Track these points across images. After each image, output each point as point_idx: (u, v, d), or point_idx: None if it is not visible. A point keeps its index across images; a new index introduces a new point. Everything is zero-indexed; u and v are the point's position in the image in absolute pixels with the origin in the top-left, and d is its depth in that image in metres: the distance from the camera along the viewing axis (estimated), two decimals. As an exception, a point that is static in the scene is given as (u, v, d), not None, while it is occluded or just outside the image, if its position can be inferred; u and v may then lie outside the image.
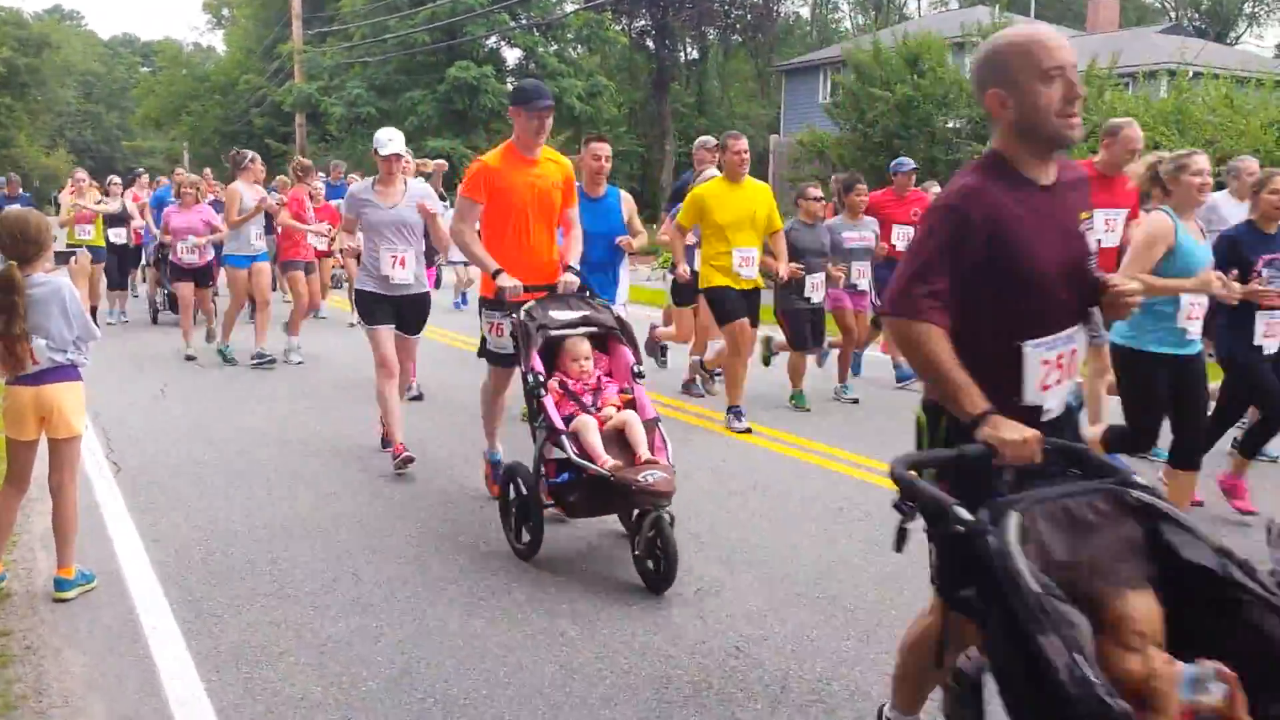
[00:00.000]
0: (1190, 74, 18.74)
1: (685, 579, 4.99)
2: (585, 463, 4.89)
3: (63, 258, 5.80)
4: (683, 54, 45.13)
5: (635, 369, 5.41)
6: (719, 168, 8.58)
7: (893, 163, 10.72)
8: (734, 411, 8.16)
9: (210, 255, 11.82)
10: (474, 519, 5.99)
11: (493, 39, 35.04)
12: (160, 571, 5.12)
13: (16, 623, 4.52)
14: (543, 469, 5.18)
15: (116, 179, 14.89)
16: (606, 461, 4.89)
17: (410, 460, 6.78)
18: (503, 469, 5.57)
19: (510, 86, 34.37)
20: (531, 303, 5.44)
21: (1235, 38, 52.96)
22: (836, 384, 9.56)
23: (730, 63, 46.84)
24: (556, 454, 5.07)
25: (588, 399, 5.27)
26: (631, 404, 5.31)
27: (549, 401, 5.14)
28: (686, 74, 44.54)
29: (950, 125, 19.24)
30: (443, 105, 32.79)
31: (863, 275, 9.39)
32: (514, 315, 5.41)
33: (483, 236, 5.99)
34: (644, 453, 5.01)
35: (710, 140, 9.65)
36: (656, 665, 4.15)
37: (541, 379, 5.21)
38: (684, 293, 9.40)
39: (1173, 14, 53.56)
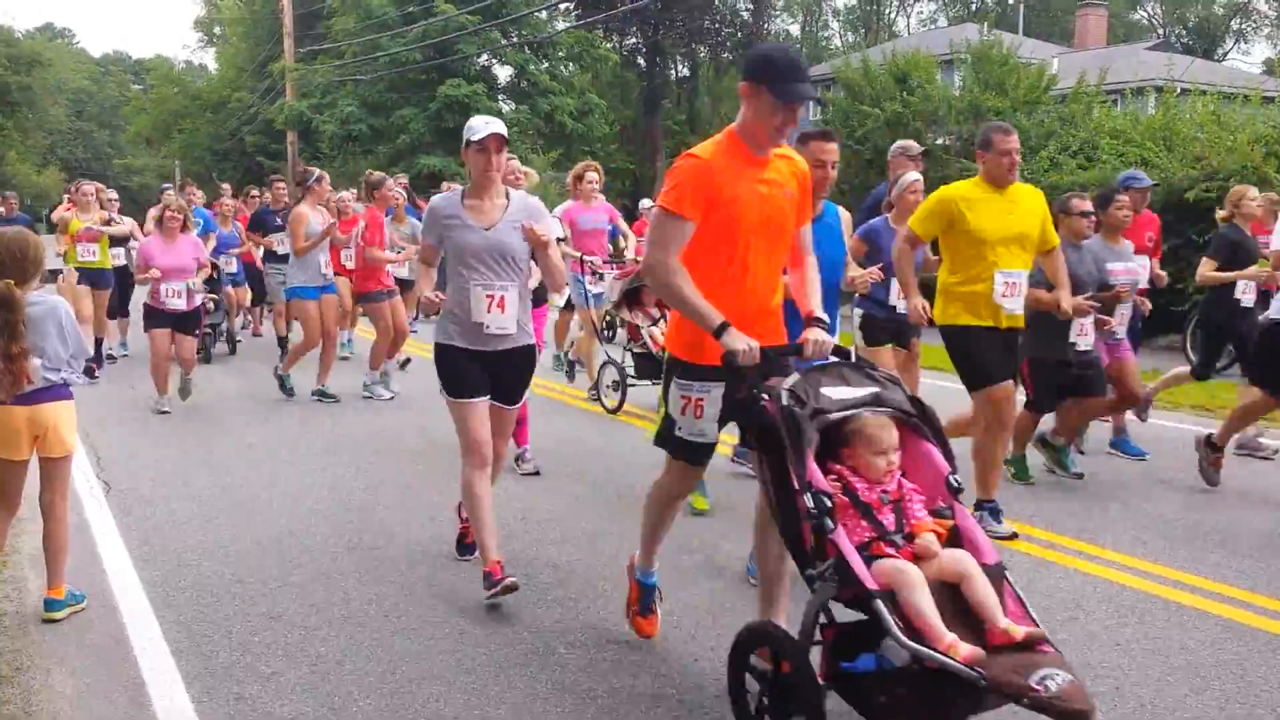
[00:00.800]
0: (1178, 90, 18.85)
1: (676, 597, 4.98)
2: (920, 648, 3.06)
3: (50, 275, 5.57)
4: (674, 72, 45.34)
5: (952, 480, 3.57)
6: (983, 172, 6.08)
7: (1123, 176, 8.44)
8: (989, 509, 6.02)
9: (199, 299, 10.02)
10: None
11: (484, 57, 35.12)
12: (150, 591, 5.10)
13: (6, 643, 4.50)
14: (819, 635, 3.47)
15: (114, 195, 13.42)
16: (957, 645, 3.04)
17: (513, 588, 4.83)
18: (748, 632, 3.78)
19: (501, 104, 34.60)
20: (794, 377, 3.62)
21: (1223, 54, 53.33)
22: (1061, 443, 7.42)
23: (721, 80, 47.03)
24: (844, 611, 3.41)
25: (887, 518, 3.45)
26: (953, 535, 3.48)
27: (843, 539, 3.31)
28: (677, 91, 44.74)
29: (940, 142, 19.31)
30: (434, 123, 32.82)
31: (1123, 322, 7.25)
32: (762, 391, 3.63)
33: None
34: (1000, 622, 3.18)
35: (913, 146, 8.17)
36: (648, 684, 4.14)
37: (829, 502, 3.34)
38: (878, 330, 7.26)
39: (1160, 31, 53.94)
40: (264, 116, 40.84)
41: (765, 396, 3.59)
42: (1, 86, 48.44)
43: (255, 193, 16.23)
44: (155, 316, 9.59)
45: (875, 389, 3.66)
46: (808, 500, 3.34)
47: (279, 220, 12.65)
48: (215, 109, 50.72)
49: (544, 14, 36.71)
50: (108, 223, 11.83)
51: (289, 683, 4.14)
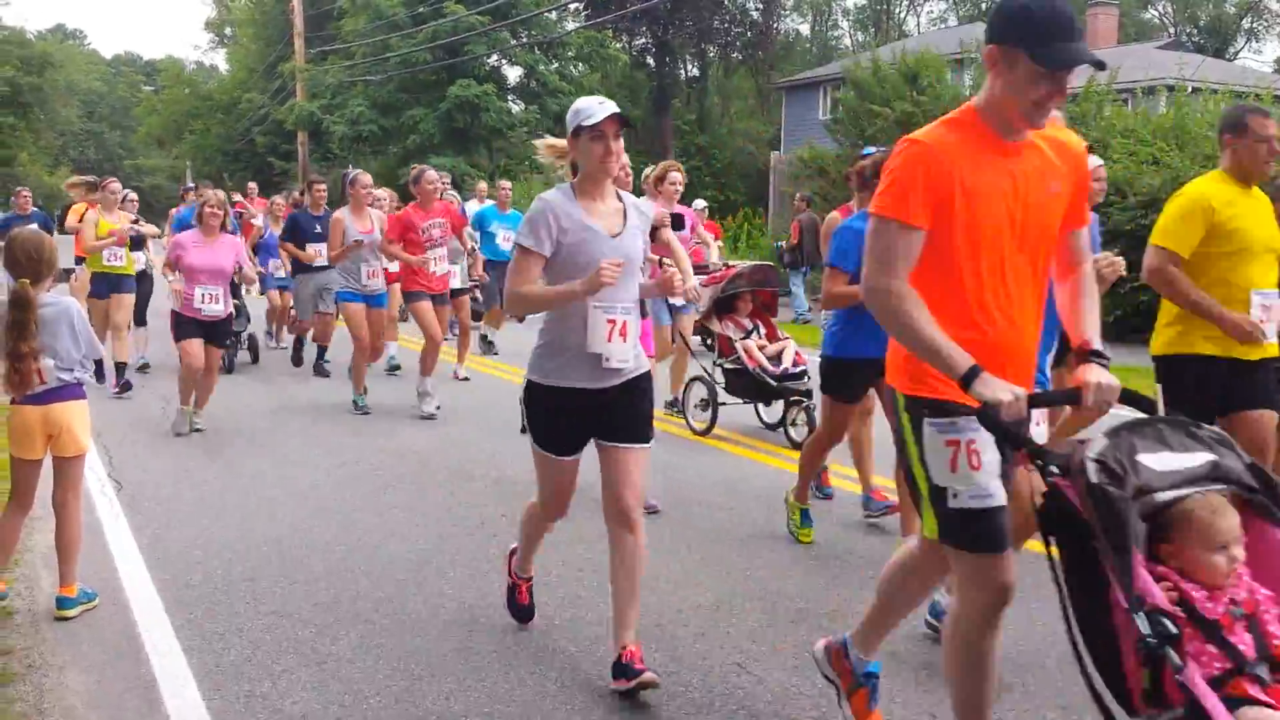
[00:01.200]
0: (1189, 89, 18.81)
1: (686, 596, 4.99)
2: None
3: (63, 274, 5.38)
4: (683, 71, 45.28)
5: None
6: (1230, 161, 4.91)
7: None
8: None
9: (232, 305, 8.98)
10: (474, 536, 5.99)
11: (494, 57, 35.18)
12: (161, 590, 5.12)
13: (19, 640, 4.52)
14: None
15: (133, 195, 12.34)
16: None
17: (650, 684, 3.98)
18: None
19: (511, 105, 34.63)
20: (1101, 441, 2.69)
21: (1234, 53, 53.13)
22: None
23: (731, 80, 46.99)
24: None
25: (1243, 641, 2.50)
26: None
27: (1198, 680, 2.35)
28: (687, 91, 44.67)
29: (950, 141, 19.30)
30: (444, 123, 32.91)
31: None
32: (1052, 462, 2.73)
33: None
34: None
35: None
36: (659, 680, 4.14)
37: (1174, 628, 2.39)
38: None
39: (1171, 30, 53.74)
40: (274, 117, 41.00)
41: (1056, 468, 2.70)
42: (13, 87, 48.69)
43: (280, 199, 14.99)
44: (186, 325, 8.47)
45: (1209, 455, 2.73)
46: (1141, 624, 2.40)
47: (318, 228, 11.24)
48: (226, 110, 50.97)
49: (554, 14, 36.74)
50: (135, 221, 11.07)
51: (299, 680, 4.15)
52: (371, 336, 9.73)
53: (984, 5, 55.94)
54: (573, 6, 38.23)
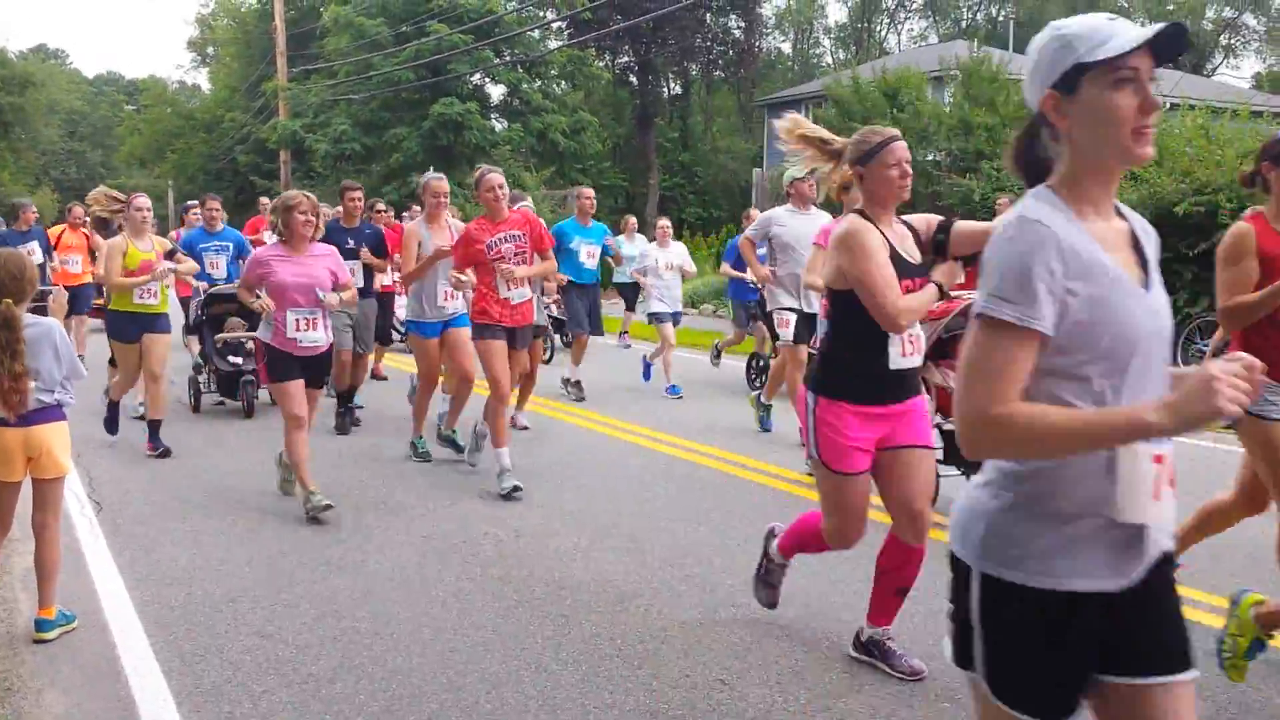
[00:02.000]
0: (1167, 105, 18.93)
1: (669, 613, 4.99)
2: None
3: (39, 295, 5.18)
4: (666, 89, 45.45)
5: None
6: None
7: None
8: None
9: (331, 334, 7.09)
10: (457, 555, 5.97)
11: (477, 76, 35.26)
12: (141, 611, 5.09)
13: (-4, 664, 4.49)
14: None
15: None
16: None
17: None
18: None
19: (494, 123, 34.72)
20: None
21: (1212, 69, 53.60)
22: None
23: (713, 98, 47.19)
24: None
25: None
26: None
27: None
28: (670, 109, 44.83)
29: (930, 158, 19.39)
30: (427, 141, 32.93)
31: None
32: None
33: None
34: None
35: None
36: (641, 699, 4.14)
37: None
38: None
39: (1149, 47, 54.12)
40: (257, 136, 40.96)
41: None
42: (-6, 107, 48.47)
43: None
44: (283, 362, 6.77)
45: None
46: None
47: (351, 242, 9.61)
48: (208, 129, 50.91)
49: (536, 33, 36.87)
50: (170, 254, 8.85)
51: (280, 701, 4.13)
52: (466, 360, 8.03)
53: (964, 24, 56.40)
54: (555, 25, 38.39)
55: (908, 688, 4.21)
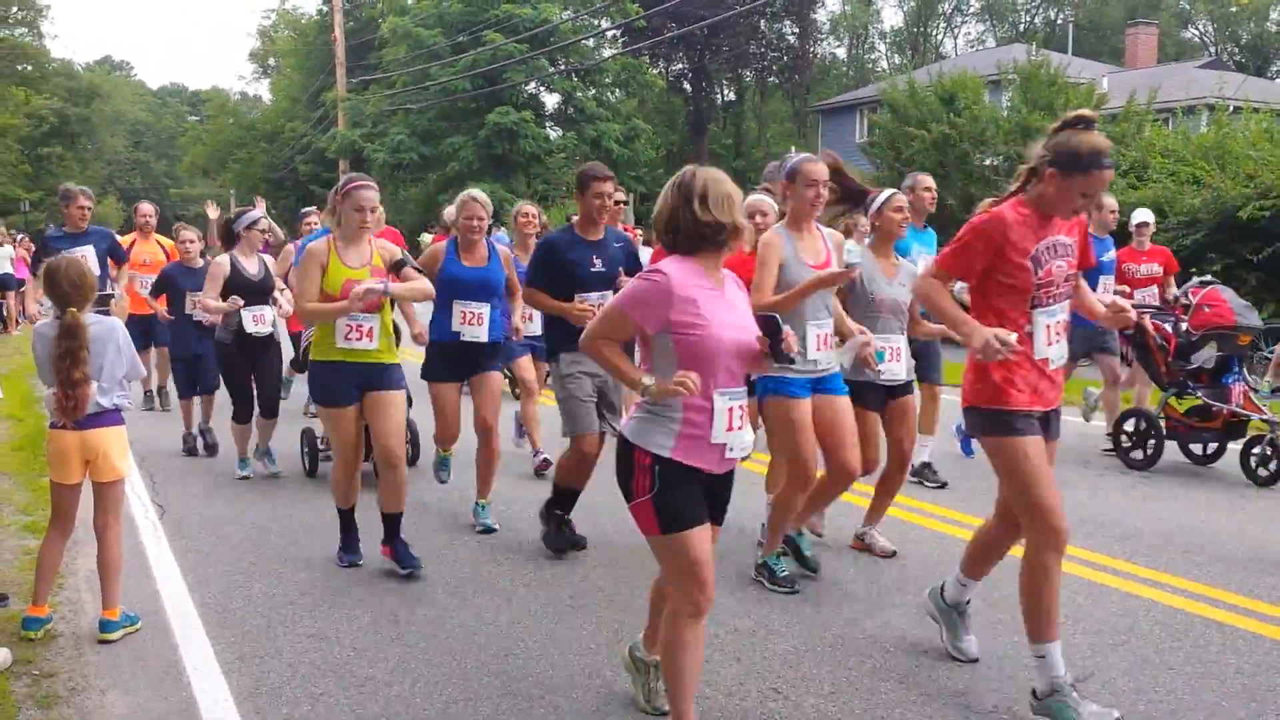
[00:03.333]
0: (1230, 108, 18.60)
1: (722, 620, 4.98)
2: None
3: (101, 300, 5.11)
4: (719, 96, 45.49)
5: None
6: None
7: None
8: None
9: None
10: (512, 562, 6.00)
11: (532, 84, 35.50)
12: (203, 613, 5.18)
13: (62, 664, 4.58)
14: None
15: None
16: None
17: None
18: None
19: (549, 131, 34.93)
20: None
21: (1276, 71, 52.55)
22: None
23: (767, 104, 47.13)
24: None
25: None
26: None
27: None
28: (723, 115, 44.88)
29: (988, 162, 19.19)
30: (483, 150, 33.21)
31: None
32: None
33: None
34: None
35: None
36: (695, 707, 4.13)
37: None
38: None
39: (1212, 49, 53.27)
40: (316, 146, 41.54)
41: None
42: (61, 118, 49.65)
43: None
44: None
45: None
46: None
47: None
48: (269, 139, 51.69)
49: (591, 41, 37.04)
50: (399, 266, 5.81)
51: (337, 703, 4.18)
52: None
53: (1022, 27, 55.78)
54: (610, 33, 38.53)
55: (964, 699, 4.17)
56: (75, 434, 4.75)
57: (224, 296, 7.68)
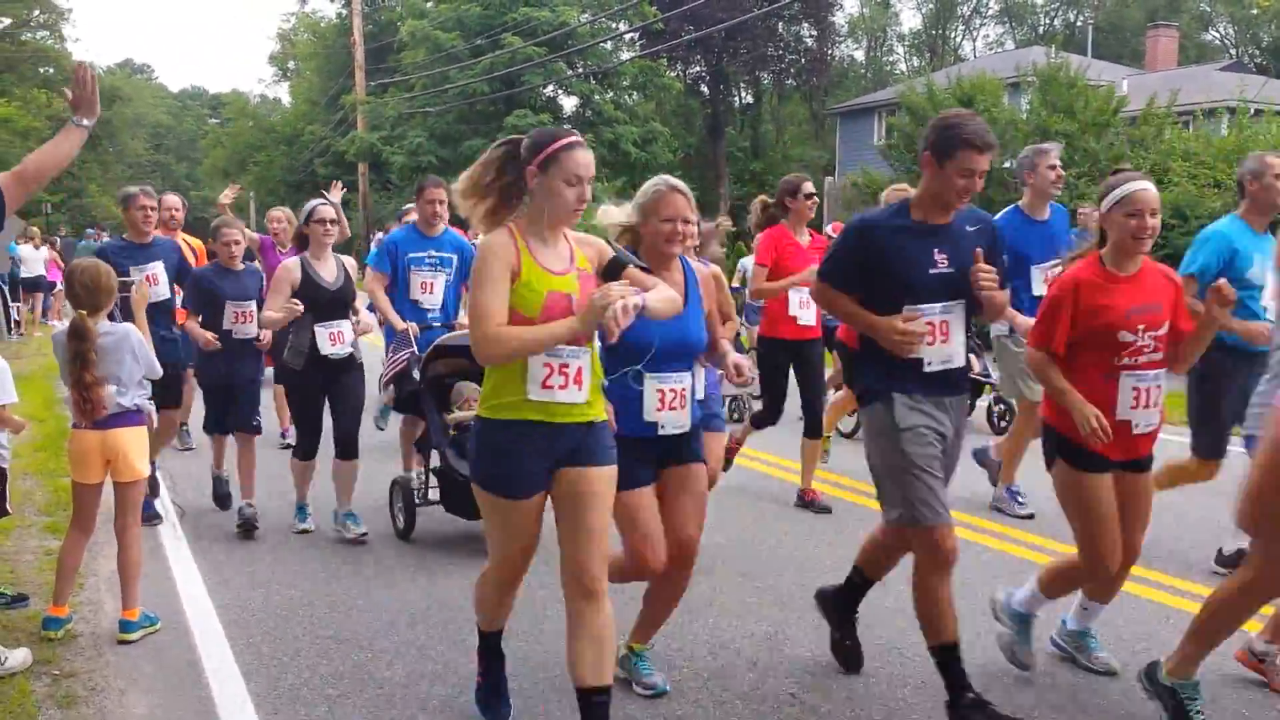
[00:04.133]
0: (1251, 111, 18.49)
1: (739, 627, 4.97)
2: None
3: (121, 287, 4.98)
4: (737, 98, 45.42)
5: None
6: None
7: None
8: None
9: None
10: (532, 567, 6.00)
11: (550, 87, 35.56)
12: (222, 614, 5.20)
13: (83, 664, 4.61)
14: None
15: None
16: None
17: None
18: None
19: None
20: None
21: (1299, 73, 52.18)
22: None
23: (785, 106, 47.05)
24: None
25: None
26: None
27: None
28: (741, 118, 44.80)
29: (1006, 165, 19.11)
30: (501, 153, 33.26)
31: None
32: None
33: None
34: None
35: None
36: (711, 712, 4.13)
37: None
38: None
39: (1233, 51, 52.94)
40: (336, 148, 41.65)
41: None
42: (83, 121, 49.85)
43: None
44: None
45: None
46: None
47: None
48: (289, 142, 51.90)
49: (609, 44, 37.07)
50: (619, 268, 3.85)
51: (355, 705, 4.19)
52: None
53: (1041, 29, 55.57)
54: (628, 37, 38.56)
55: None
56: (96, 434, 4.78)
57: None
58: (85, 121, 4.16)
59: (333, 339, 6.22)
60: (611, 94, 36.18)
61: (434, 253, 7.02)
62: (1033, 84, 21.27)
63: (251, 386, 6.99)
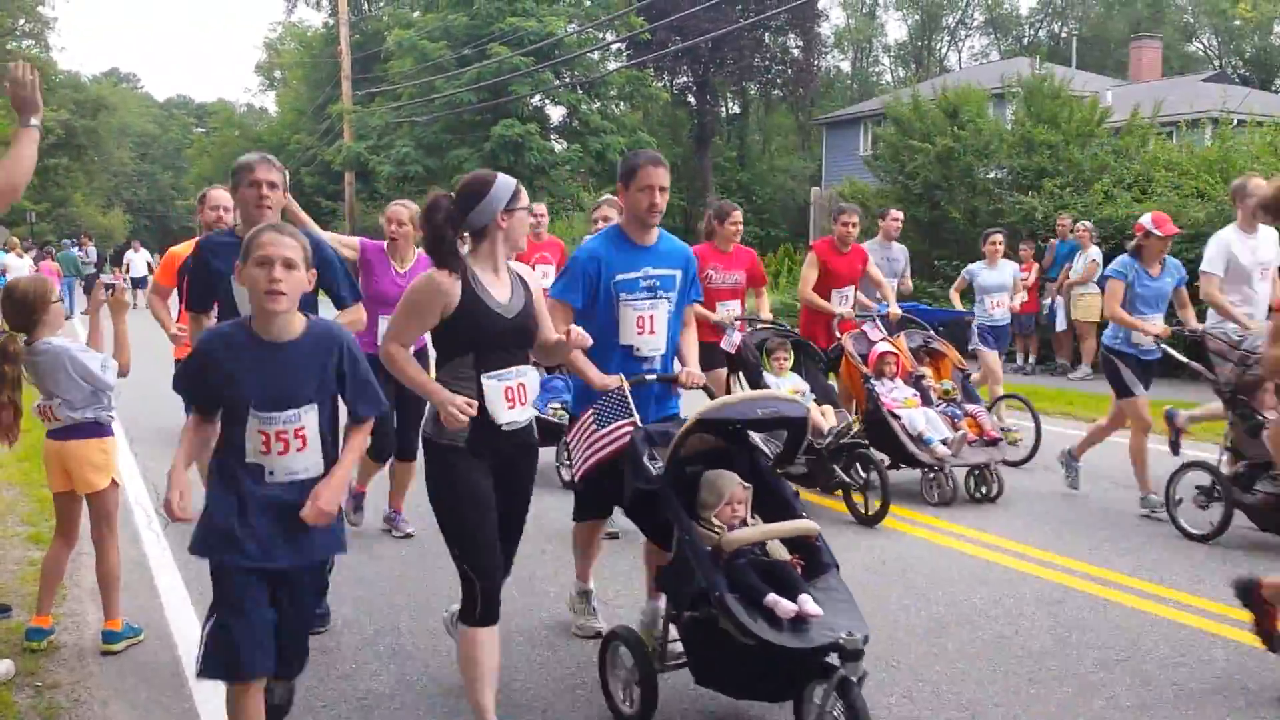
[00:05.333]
0: (1234, 121, 18.61)
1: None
2: None
3: (86, 283, 4.98)
4: (724, 109, 45.56)
5: None
6: None
7: None
8: None
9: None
10: (516, 572, 5.99)
11: (537, 97, 35.60)
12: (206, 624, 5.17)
13: (65, 675, 4.58)
14: None
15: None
16: None
17: None
18: None
19: (554, 144, 35.04)
20: None
21: (1281, 85, 52.59)
22: None
23: (771, 117, 47.21)
24: None
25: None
26: None
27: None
28: (728, 128, 44.94)
29: (991, 175, 19.18)
30: (488, 162, 33.22)
31: None
32: None
33: None
34: None
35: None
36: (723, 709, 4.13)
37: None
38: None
39: (1216, 62, 53.33)
40: (322, 158, 41.66)
41: None
42: (68, 130, 49.78)
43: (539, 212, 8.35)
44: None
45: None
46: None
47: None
48: (275, 151, 51.45)
49: (596, 54, 37.14)
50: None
51: (340, 716, 4.18)
52: None
53: (1026, 40, 55.89)
54: (615, 47, 38.64)
55: (973, 708, 4.15)
56: (55, 444, 4.83)
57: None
58: (34, 121, 4.13)
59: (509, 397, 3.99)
60: (598, 104, 36.23)
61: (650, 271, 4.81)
62: (1017, 95, 21.36)
63: None
